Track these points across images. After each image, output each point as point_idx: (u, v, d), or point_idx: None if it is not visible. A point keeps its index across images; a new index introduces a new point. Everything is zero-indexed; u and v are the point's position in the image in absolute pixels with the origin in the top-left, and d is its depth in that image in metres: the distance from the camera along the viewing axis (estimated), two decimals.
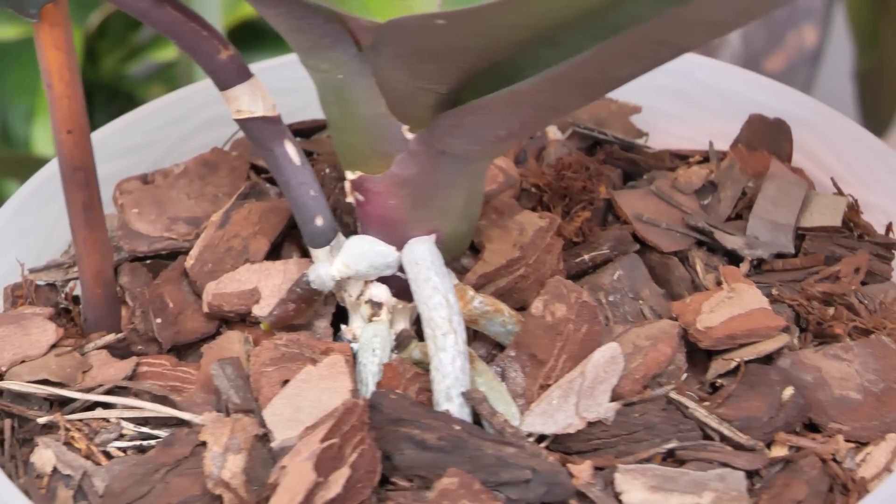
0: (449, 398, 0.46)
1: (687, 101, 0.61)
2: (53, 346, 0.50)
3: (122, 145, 0.60)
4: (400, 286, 0.49)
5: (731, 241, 0.53)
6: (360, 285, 0.49)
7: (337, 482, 0.43)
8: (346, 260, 0.48)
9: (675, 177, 0.57)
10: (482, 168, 0.47)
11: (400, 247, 0.48)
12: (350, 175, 0.47)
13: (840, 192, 0.56)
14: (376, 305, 0.49)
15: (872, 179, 0.56)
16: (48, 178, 0.58)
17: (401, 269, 0.48)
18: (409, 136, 0.46)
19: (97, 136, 0.58)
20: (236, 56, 0.47)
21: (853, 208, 0.55)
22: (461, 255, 0.50)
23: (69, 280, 0.54)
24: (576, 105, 0.43)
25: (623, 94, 0.61)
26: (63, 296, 0.54)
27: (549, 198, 0.55)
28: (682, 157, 0.59)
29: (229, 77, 0.47)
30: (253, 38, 0.92)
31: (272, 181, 0.57)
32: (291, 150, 0.48)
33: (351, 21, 0.44)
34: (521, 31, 0.40)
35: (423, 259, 0.47)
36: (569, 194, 0.55)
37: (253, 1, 0.45)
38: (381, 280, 0.49)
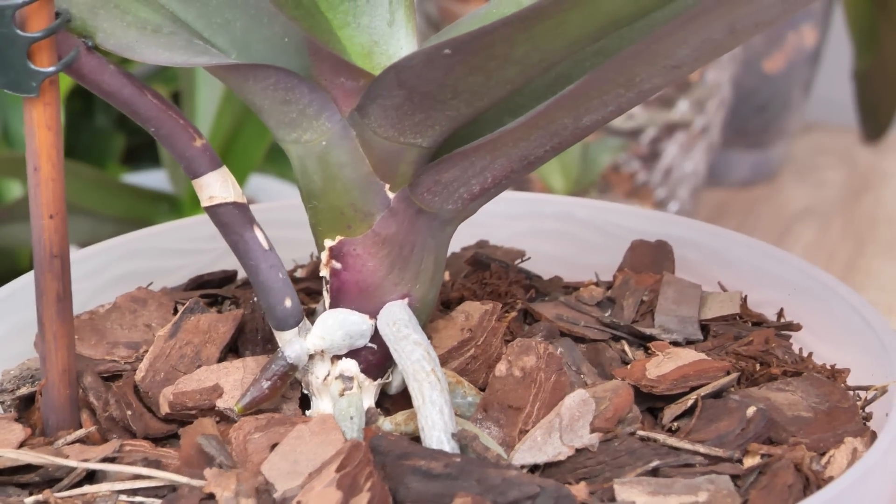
0: (441, 442, 0.48)
1: (569, 241, 0.67)
2: (22, 445, 0.50)
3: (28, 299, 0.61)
4: (367, 362, 0.51)
5: (648, 330, 0.57)
6: (327, 365, 0.51)
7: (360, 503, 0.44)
8: (321, 332, 0.51)
9: (576, 294, 0.61)
10: (451, 232, 0.51)
11: (373, 315, 0.51)
12: (329, 242, 0.50)
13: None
14: (348, 380, 0.51)
15: (755, 278, 0.61)
16: None
17: (372, 339, 0.51)
18: (391, 194, 0.49)
19: (14, 286, 0.59)
20: (208, 145, 0.50)
21: (744, 303, 0.60)
22: (426, 324, 0.53)
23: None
24: (545, 157, 0.48)
25: (506, 240, 0.66)
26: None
27: None
28: (574, 288, 0.64)
29: (202, 165, 0.50)
30: None
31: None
32: (260, 235, 0.51)
33: (335, 88, 0.48)
34: (514, 67, 0.45)
35: (399, 318, 0.50)
36: (493, 298, 0.59)
37: (239, 77, 0.49)
38: (349, 355, 0.51)
